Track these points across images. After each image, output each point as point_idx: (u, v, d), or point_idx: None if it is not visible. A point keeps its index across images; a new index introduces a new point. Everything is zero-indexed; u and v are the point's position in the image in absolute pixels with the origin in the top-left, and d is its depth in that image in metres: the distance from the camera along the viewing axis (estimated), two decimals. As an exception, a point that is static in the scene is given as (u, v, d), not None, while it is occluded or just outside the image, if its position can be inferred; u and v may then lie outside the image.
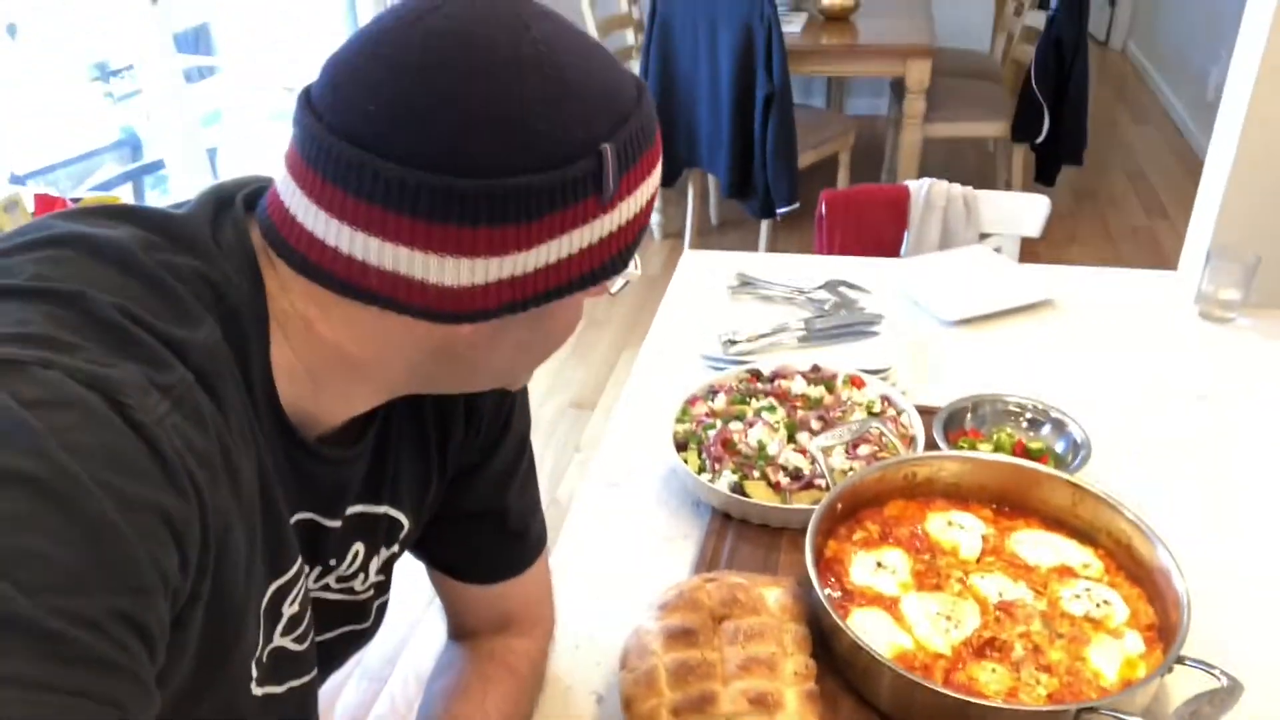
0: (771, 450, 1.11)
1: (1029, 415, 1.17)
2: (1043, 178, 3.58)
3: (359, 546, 0.74)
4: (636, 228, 0.63)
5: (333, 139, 0.55)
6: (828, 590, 0.91)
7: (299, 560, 0.66)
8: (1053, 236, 3.64)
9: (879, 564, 0.94)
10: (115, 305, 0.52)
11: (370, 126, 0.54)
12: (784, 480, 1.08)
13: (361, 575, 0.76)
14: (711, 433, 1.14)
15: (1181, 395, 1.31)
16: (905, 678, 0.79)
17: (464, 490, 0.83)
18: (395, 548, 0.79)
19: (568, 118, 0.56)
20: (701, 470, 1.11)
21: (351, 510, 0.72)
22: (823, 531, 0.96)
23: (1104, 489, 0.97)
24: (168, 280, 0.55)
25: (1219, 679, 0.77)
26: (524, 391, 0.85)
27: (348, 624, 0.79)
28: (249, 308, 0.59)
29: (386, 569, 0.80)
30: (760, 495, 1.06)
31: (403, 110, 0.54)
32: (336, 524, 0.71)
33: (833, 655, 0.87)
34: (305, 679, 0.71)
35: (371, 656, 2.14)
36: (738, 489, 1.07)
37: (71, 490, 0.44)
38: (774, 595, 0.91)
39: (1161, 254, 3.56)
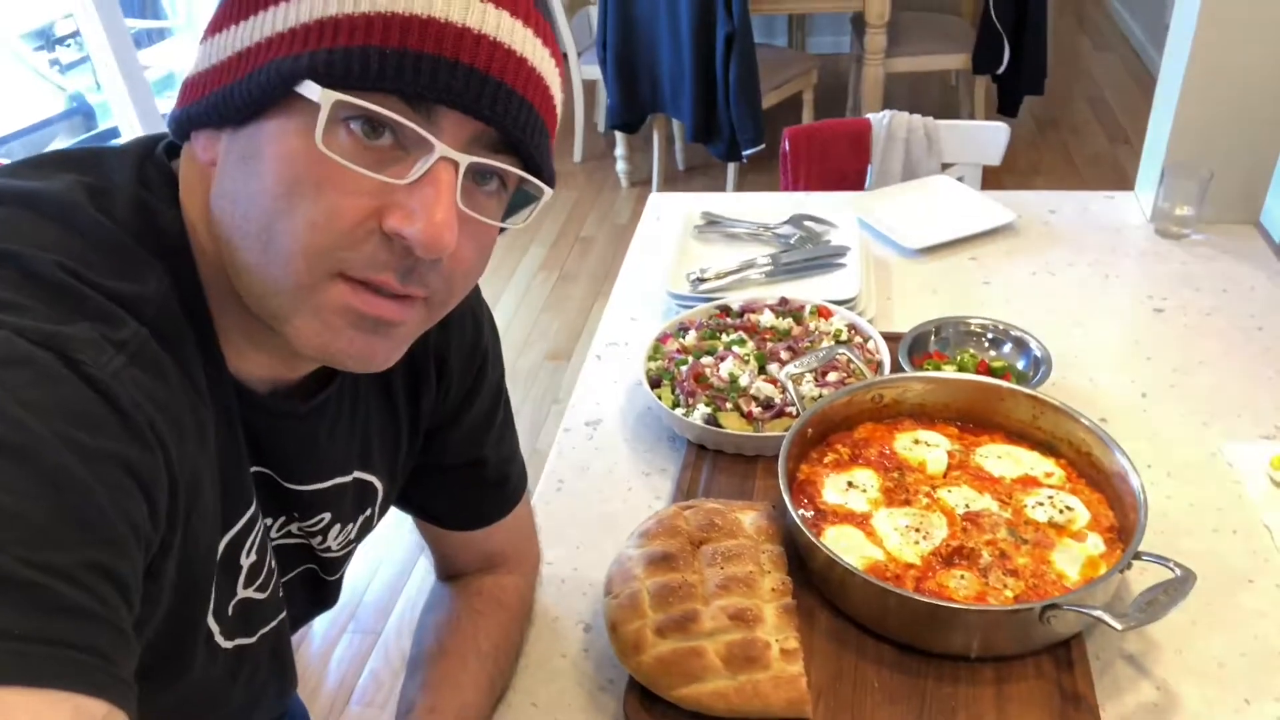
0: (743, 382, 1.13)
1: (990, 335, 1.20)
2: (1005, 109, 3.59)
3: (325, 516, 0.74)
4: (330, 37, 0.51)
5: None
6: (801, 511, 0.94)
7: (252, 509, 0.65)
8: (1017, 166, 3.67)
9: (850, 484, 0.97)
10: (58, 264, 0.51)
11: None
12: (756, 410, 1.10)
13: (322, 536, 0.76)
14: (684, 368, 1.16)
15: (1139, 308, 1.34)
16: (878, 587, 0.83)
17: (441, 444, 0.83)
18: (368, 512, 0.79)
19: None
20: (676, 405, 1.13)
21: (320, 485, 0.71)
22: (794, 456, 0.98)
23: (1060, 401, 1.00)
24: (112, 232, 0.55)
25: (1173, 570, 0.81)
26: (496, 341, 0.85)
27: (309, 563, 0.78)
28: (176, 234, 0.58)
29: (361, 533, 0.80)
30: (734, 425, 1.09)
31: None
32: (302, 489, 0.70)
33: (808, 572, 0.91)
34: (273, 623, 0.71)
35: (365, 609, 2.18)
36: (712, 421, 1.09)
37: (33, 446, 0.43)
38: (750, 519, 0.94)
39: (1124, 178, 3.59)
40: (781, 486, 0.92)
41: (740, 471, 1.07)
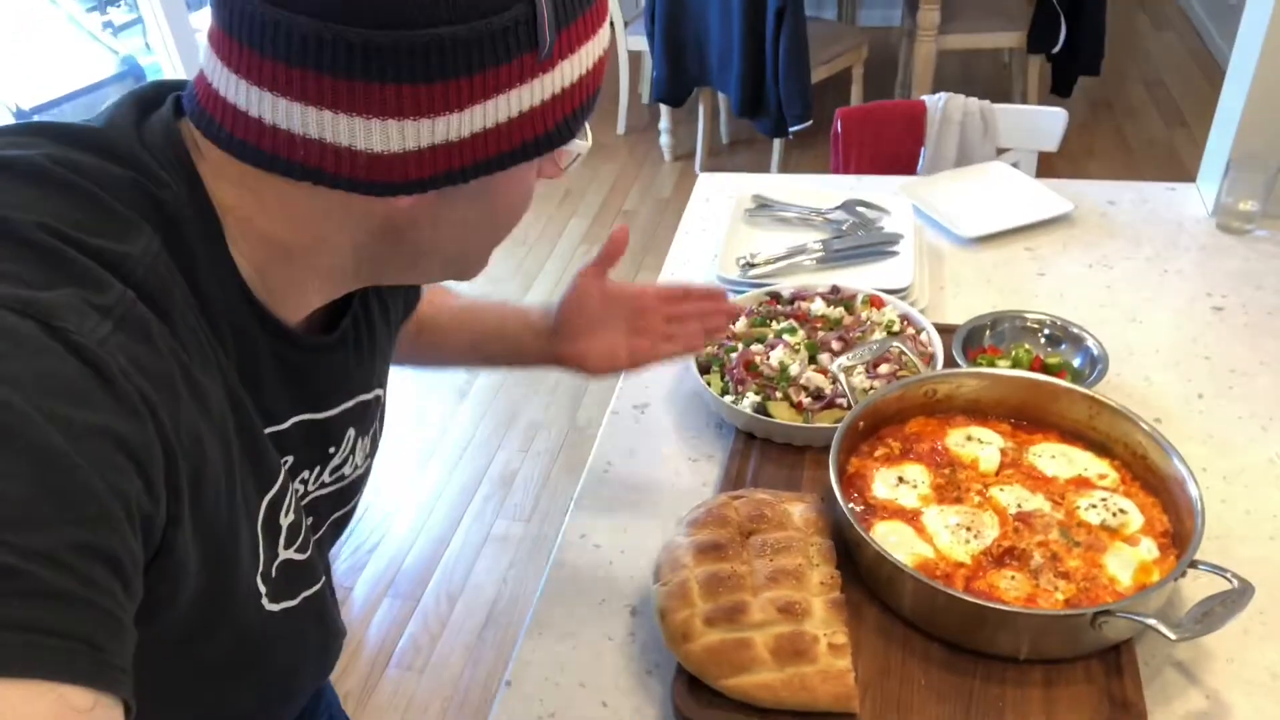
0: (793, 371, 1.13)
1: (1046, 331, 1.19)
2: (1059, 89, 3.52)
3: (352, 431, 0.74)
4: (583, 92, 0.59)
5: (250, 2, 0.51)
6: (851, 505, 0.94)
7: (283, 470, 0.64)
8: (1070, 149, 3.59)
9: (900, 479, 0.97)
10: (38, 224, 0.48)
11: None
12: (806, 400, 1.10)
13: (351, 459, 0.75)
14: (734, 355, 1.16)
15: (1198, 306, 1.32)
16: (927, 585, 0.83)
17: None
18: (379, 420, 0.80)
19: None
20: (725, 392, 1.13)
21: (347, 404, 0.71)
22: (845, 449, 0.98)
23: (1120, 401, 0.99)
24: (94, 191, 0.52)
25: (1230, 581, 0.80)
26: None
27: (334, 512, 0.77)
28: (192, 209, 0.55)
29: (373, 447, 0.81)
30: (783, 415, 1.09)
31: None
32: (332, 414, 0.70)
33: (857, 566, 0.91)
34: (316, 586, 0.71)
35: (403, 576, 2.22)
36: (761, 410, 1.09)
37: (13, 422, 0.41)
38: (799, 510, 0.95)
39: (1180, 164, 3.51)
40: (832, 480, 0.92)
41: (789, 461, 1.07)
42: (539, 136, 0.57)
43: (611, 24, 0.67)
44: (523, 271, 3.24)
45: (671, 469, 1.11)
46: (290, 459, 0.66)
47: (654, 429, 1.17)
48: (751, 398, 1.10)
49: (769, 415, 1.08)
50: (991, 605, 0.82)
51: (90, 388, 0.45)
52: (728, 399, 1.11)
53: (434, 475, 2.49)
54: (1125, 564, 0.87)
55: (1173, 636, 0.75)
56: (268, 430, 0.63)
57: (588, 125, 0.63)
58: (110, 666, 0.41)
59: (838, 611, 0.85)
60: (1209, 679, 0.84)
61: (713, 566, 0.88)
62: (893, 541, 0.90)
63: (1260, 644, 0.86)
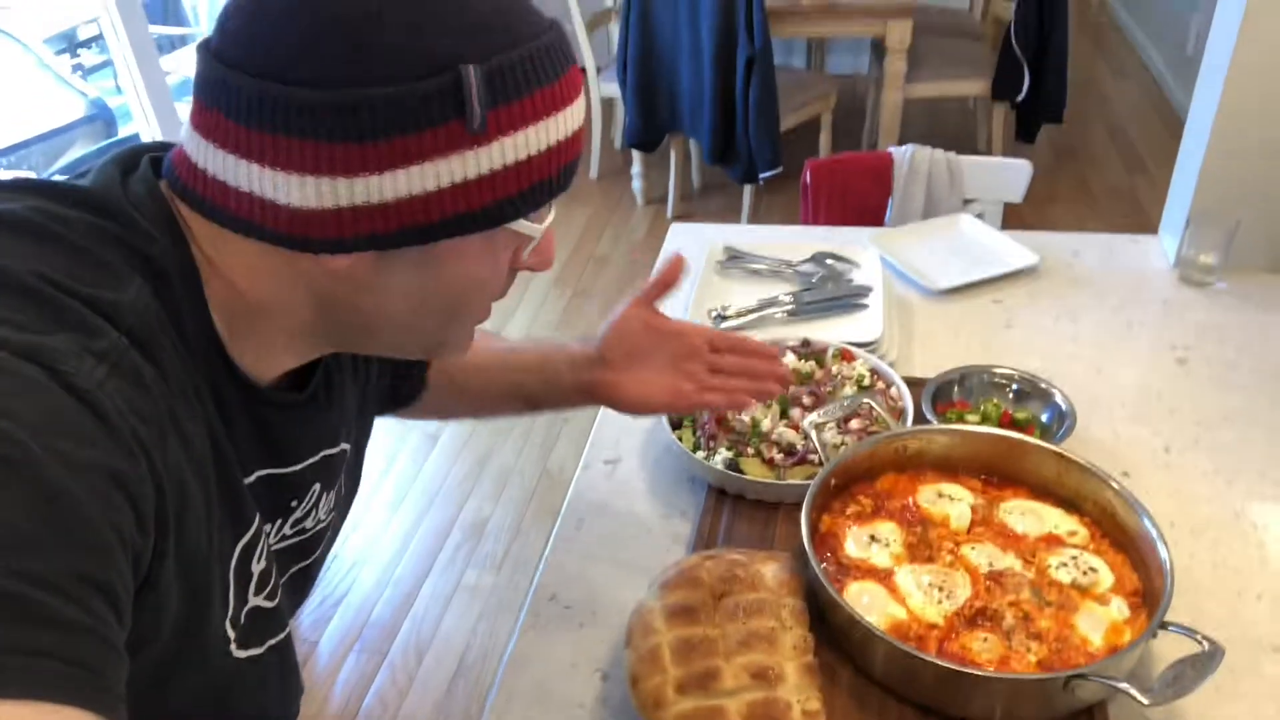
0: (765, 427, 1.13)
1: (1015, 386, 1.20)
2: (1023, 135, 3.59)
3: (317, 486, 0.74)
4: (531, 175, 0.58)
5: (206, 59, 0.55)
6: (824, 564, 0.93)
7: (258, 517, 0.65)
8: (1034, 195, 3.61)
9: (872, 537, 0.97)
10: (34, 273, 0.51)
11: (233, 41, 0.55)
12: (778, 456, 1.10)
13: (314, 512, 0.76)
14: (705, 411, 1.16)
15: (1162, 358, 1.33)
16: (900, 650, 0.82)
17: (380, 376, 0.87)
18: (344, 476, 0.80)
19: (427, 31, 0.53)
20: (696, 448, 1.13)
21: (312, 459, 0.72)
22: (817, 506, 0.98)
23: (1088, 457, 0.99)
24: (84, 244, 0.54)
25: (1201, 644, 0.80)
26: None
27: (296, 564, 0.78)
28: (175, 262, 0.58)
29: (341, 502, 0.81)
30: (755, 472, 1.08)
31: (259, 20, 0.54)
32: (297, 468, 0.71)
33: (830, 628, 0.90)
34: (281, 635, 0.71)
35: (370, 629, 2.18)
36: (733, 466, 1.09)
37: (18, 456, 0.43)
38: (771, 570, 0.94)
39: (1142, 210, 3.58)
40: (805, 540, 0.91)
41: (761, 518, 1.07)
42: (474, 211, 0.57)
43: (584, 70, 0.68)
44: (492, 318, 3.23)
45: (643, 526, 1.11)
46: (260, 511, 0.67)
47: (626, 484, 1.16)
48: (724, 453, 1.10)
49: (741, 472, 1.08)
50: (966, 670, 0.81)
51: (89, 427, 0.47)
52: (700, 455, 1.11)
53: (403, 523, 2.45)
54: (1096, 624, 0.87)
55: (1145, 702, 0.75)
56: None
57: (551, 210, 0.64)
58: (108, 691, 0.43)
59: (811, 676, 0.84)
60: (1184, 741, 0.84)
61: (685, 631, 0.87)
62: (865, 603, 0.90)
63: (1231, 701, 0.86)
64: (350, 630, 2.17)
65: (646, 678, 0.84)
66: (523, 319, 3.21)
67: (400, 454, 2.66)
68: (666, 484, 1.16)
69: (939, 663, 0.81)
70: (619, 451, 1.21)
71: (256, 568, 0.66)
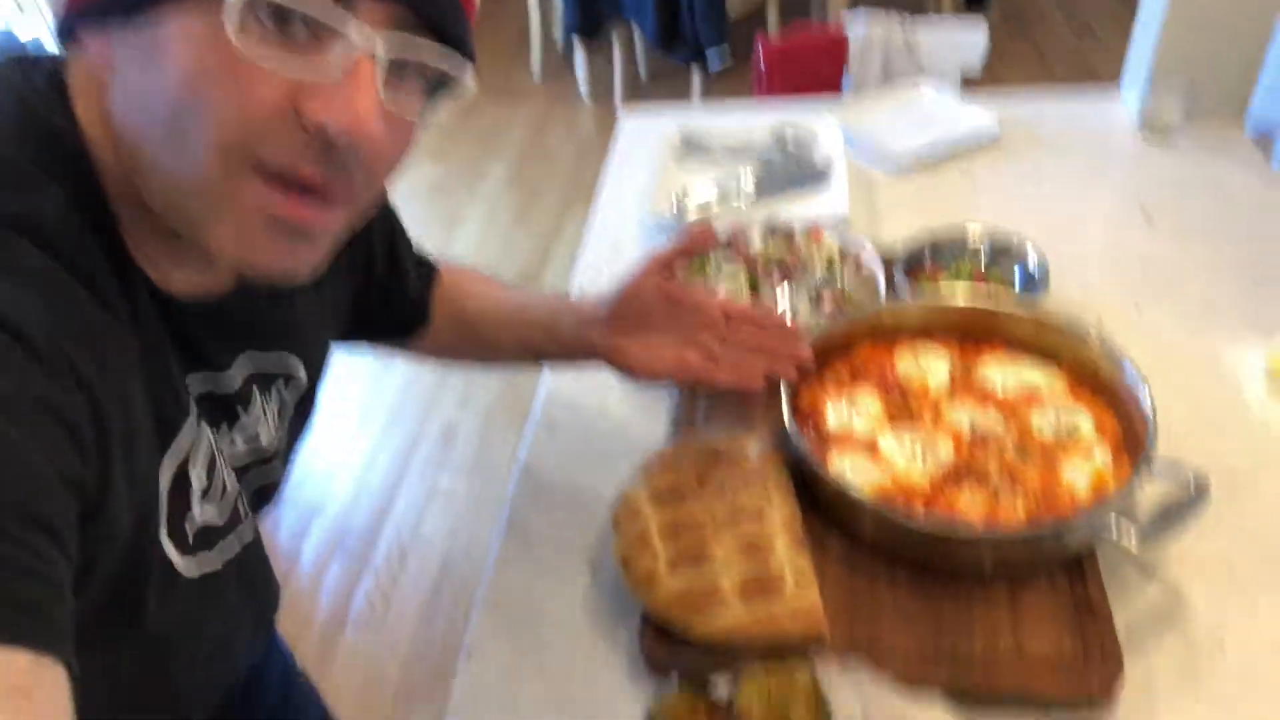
0: (737, 306, 1.10)
1: (986, 247, 1.18)
2: (973, 3, 3.52)
3: (259, 397, 0.70)
4: None
5: None
6: (806, 437, 0.92)
7: (195, 423, 0.61)
8: (987, 64, 3.61)
9: (852, 407, 0.96)
10: None
11: None
12: (752, 335, 1.08)
13: (265, 426, 0.72)
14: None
15: (1130, 216, 1.33)
16: (888, 516, 0.82)
17: (363, 299, 0.85)
18: (288, 394, 0.75)
19: None
20: (669, 332, 1.10)
21: (245, 356, 0.68)
22: (796, 382, 0.96)
23: (1063, 314, 0.98)
24: None
25: (1188, 479, 0.81)
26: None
27: (259, 480, 0.74)
28: (86, 161, 0.53)
29: (299, 419, 0.77)
30: (730, 352, 1.06)
31: None
32: (232, 374, 0.66)
33: (817, 499, 0.90)
34: (240, 549, 0.68)
35: (351, 538, 2.17)
36: (707, 347, 1.06)
37: None
38: (754, 448, 0.93)
39: (1093, 74, 3.55)
40: (785, 414, 0.90)
41: (738, 399, 1.05)
42: None
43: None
44: (446, 217, 3.15)
45: (618, 420, 1.09)
46: (192, 417, 0.62)
47: (596, 380, 1.13)
48: (697, 336, 1.08)
49: (716, 353, 1.06)
50: (956, 529, 0.81)
51: (13, 355, 0.44)
52: (672, 340, 1.08)
53: (372, 433, 2.43)
54: (1081, 473, 0.87)
55: (1135, 548, 0.76)
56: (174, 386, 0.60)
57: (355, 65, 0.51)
58: (50, 630, 0.42)
59: (800, 546, 0.84)
60: (1167, 575, 0.86)
61: (671, 511, 0.86)
62: (850, 471, 0.89)
63: (1214, 537, 0.88)
64: (330, 539, 2.16)
65: (637, 559, 0.84)
66: (476, 222, 3.14)
67: (364, 366, 2.61)
68: (640, 373, 1.13)
69: (928, 526, 0.81)
70: (589, 343, 1.19)
71: (197, 481, 0.62)
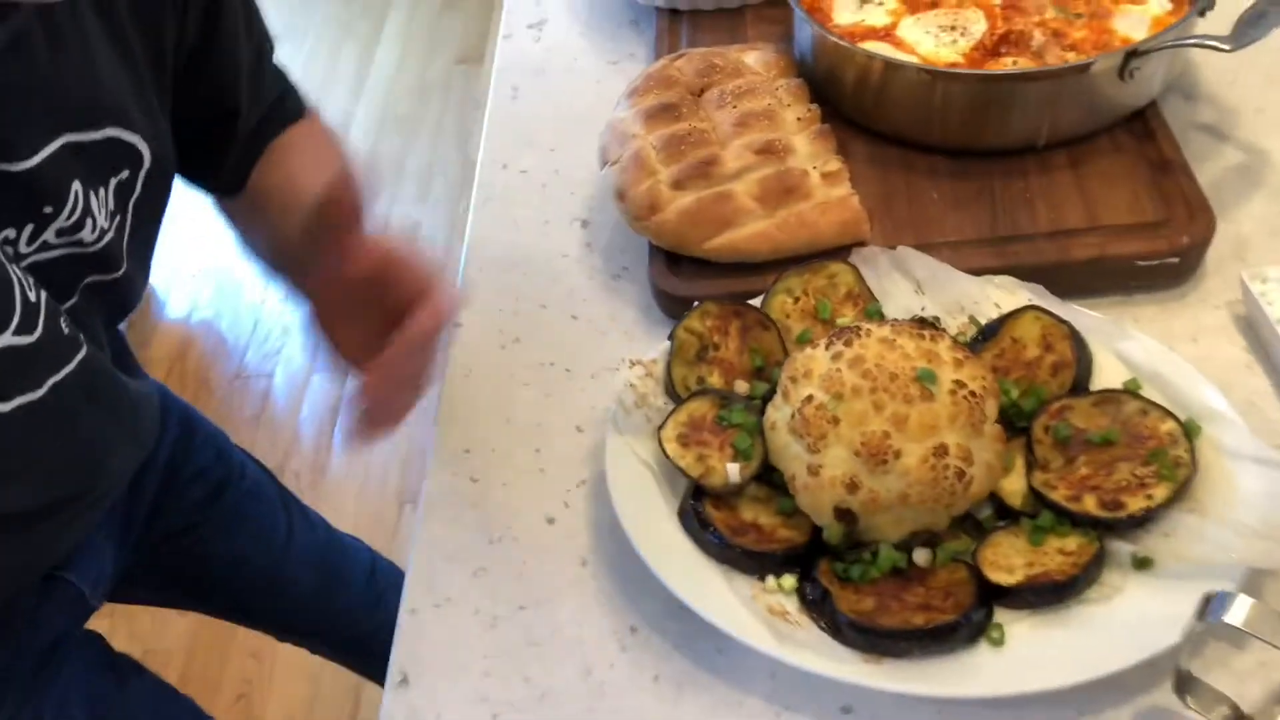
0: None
1: None
2: None
3: (76, 185, 0.56)
4: None
5: None
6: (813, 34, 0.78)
7: None
8: None
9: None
10: None
11: None
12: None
13: (89, 221, 0.58)
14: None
15: None
16: (925, 78, 0.70)
17: (203, 76, 0.66)
18: (124, 174, 0.61)
19: None
20: (634, -30, 0.94)
21: (57, 143, 0.55)
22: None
23: None
24: None
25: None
26: None
27: (87, 277, 0.61)
28: None
29: (122, 206, 0.61)
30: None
31: None
32: (34, 163, 0.53)
33: (835, 96, 0.77)
34: (70, 366, 0.56)
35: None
36: (681, -25, 0.91)
37: None
38: (754, 57, 0.79)
39: None
40: (794, 3, 0.76)
41: (727, 26, 0.90)
42: None
43: None
44: (364, 19, 2.87)
45: (591, 78, 0.94)
46: None
47: (559, 44, 0.98)
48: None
49: (692, -20, 0.90)
50: (1004, 75, 0.69)
51: None
52: (639, -26, 0.93)
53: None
54: (1137, 23, 0.74)
55: (1227, 48, 0.64)
56: None
57: None
58: None
59: (824, 141, 0.72)
60: (1240, 133, 0.75)
61: (668, 128, 0.73)
62: (870, 59, 0.76)
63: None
64: (304, 351, 2.04)
65: (635, 184, 0.71)
66: (394, 27, 2.85)
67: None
68: (607, 31, 0.98)
69: (977, 74, 0.69)
70: (542, 13, 1.02)
71: None
